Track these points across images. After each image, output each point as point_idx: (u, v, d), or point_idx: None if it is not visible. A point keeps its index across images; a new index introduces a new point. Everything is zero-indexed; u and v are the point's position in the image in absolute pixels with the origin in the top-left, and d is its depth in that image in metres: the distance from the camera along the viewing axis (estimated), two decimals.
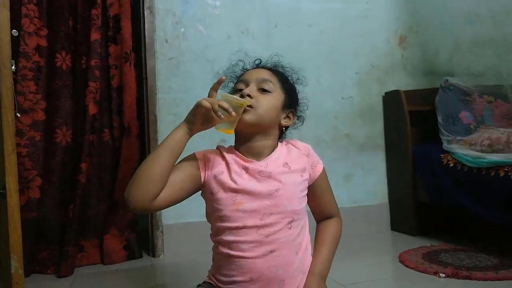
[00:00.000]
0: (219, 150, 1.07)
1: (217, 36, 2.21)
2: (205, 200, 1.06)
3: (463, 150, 2.00)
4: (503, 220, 1.78)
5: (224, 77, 1.03)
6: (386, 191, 2.46)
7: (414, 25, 2.57)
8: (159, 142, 2.05)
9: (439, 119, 2.22)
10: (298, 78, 1.16)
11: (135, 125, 2.04)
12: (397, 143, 2.36)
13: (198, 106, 0.96)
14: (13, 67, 1.20)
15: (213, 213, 1.02)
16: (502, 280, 1.50)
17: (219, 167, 1.02)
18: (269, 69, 1.11)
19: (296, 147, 1.10)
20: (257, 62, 1.15)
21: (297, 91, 1.15)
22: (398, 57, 2.53)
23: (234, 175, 1.00)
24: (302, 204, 1.05)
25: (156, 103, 2.09)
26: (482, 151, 1.92)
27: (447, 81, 2.30)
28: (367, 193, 2.44)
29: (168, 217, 2.08)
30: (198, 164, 1.02)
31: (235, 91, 1.07)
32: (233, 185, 0.99)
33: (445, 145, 2.11)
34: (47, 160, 1.93)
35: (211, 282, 1.05)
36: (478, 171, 1.85)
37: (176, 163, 1.00)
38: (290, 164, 1.04)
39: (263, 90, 1.04)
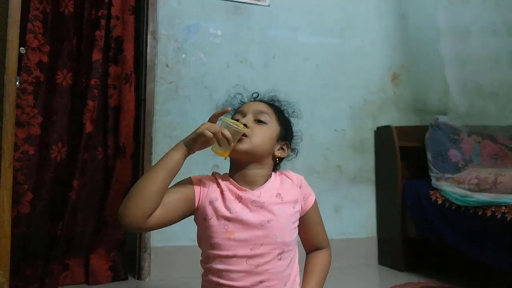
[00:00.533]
0: (215, 177, 1.08)
1: (216, 64, 2.26)
2: (197, 224, 1.07)
3: (451, 187, 2.04)
4: (489, 259, 1.80)
5: (229, 108, 1.07)
6: (375, 225, 2.48)
7: (406, 64, 2.66)
8: (153, 163, 2.07)
9: (429, 156, 2.26)
10: (294, 111, 1.19)
11: (131, 146, 2.05)
12: (388, 177, 2.40)
13: (200, 134, 0.97)
14: (17, 83, 1.22)
15: (205, 239, 1.03)
16: None
17: (214, 194, 1.03)
18: (266, 102, 1.14)
19: (289, 178, 1.11)
20: (254, 95, 1.18)
21: (292, 125, 1.18)
22: (391, 93, 2.61)
23: (228, 203, 1.01)
24: (293, 236, 1.06)
25: (153, 125, 2.11)
26: (470, 189, 1.96)
27: (437, 119, 2.36)
28: (356, 226, 2.45)
29: (157, 239, 2.07)
30: (193, 188, 1.03)
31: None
32: (226, 213, 1.00)
33: (433, 182, 2.15)
34: (40, 175, 1.93)
35: None
36: (465, 209, 1.88)
37: (171, 185, 1.01)
38: (282, 195, 1.06)
39: (259, 121, 1.06)
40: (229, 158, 1.09)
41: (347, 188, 2.45)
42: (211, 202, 1.02)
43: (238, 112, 1.10)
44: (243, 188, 1.04)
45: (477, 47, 2.42)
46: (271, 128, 1.08)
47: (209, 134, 0.95)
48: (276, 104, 1.17)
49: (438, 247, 2.16)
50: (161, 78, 2.16)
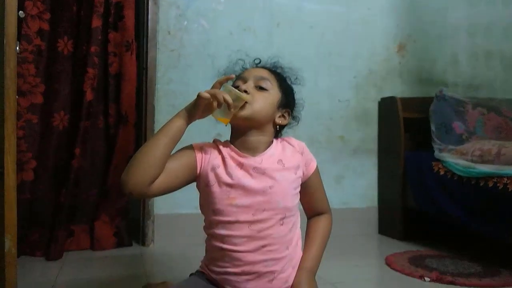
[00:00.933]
0: (216, 144, 1.08)
1: (219, 32, 2.22)
2: (199, 191, 1.08)
3: (454, 159, 2.03)
4: (488, 230, 1.82)
5: (233, 76, 1.05)
6: (376, 195, 2.50)
7: (413, 34, 2.60)
8: (155, 132, 2.06)
9: (432, 127, 2.25)
10: (296, 78, 1.17)
11: (133, 114, 2.04)
12: (390, 149, 2.40)
13: (199, 97, 0.96)
14: (17, 48, 1.20)
15: (207, 206, 1.04)
16: (485, 287, 1.54)
17: (216, 161, 1.03)
18: (268, 68, 1.13)
19: (291, 145, 1.11)
20: (256, 61, 1.16)
21: (294, 92, 1.16)
22: (396, 64, 2.57)
23: (229, 170, 1.02)
24: (294, 201, 1.07)
25: (155, 93, 2.10)
26: (472, 161, 1.96)
27: (442, 91, 2.34)
28: (357, 195, 2.47)
29: (160, 207, 2.10)
30: (195, 155, 1.03)
31: (234, 87, 1.07)
32: (228, 179, 1.01)
33: (436, 153, 2.15)
34: (43, 143, 1.93)
35: (204, 271, 1.07)
36: (467, 180, 1.89)
37: (173, 152, 1.01)
38: (284, 162, 1.06)
39: (260, 88, 1.05)
40: (230, 126, 1.08)
41: (349, 158, 2.46)
42: (213, 169, 1.02)
43: (239, 78, 1.09)
44: (245, 154, 1.04)
45: (486, 15, 2.37)
46: (272, 94, 1.07)
47: (207, 95, 0.95)
48: (278, 70, 1.15)
49: (437, 218, 2.18)
50: (162, 46, 2.13)
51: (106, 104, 2.04)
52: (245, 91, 1.03)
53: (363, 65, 2.50)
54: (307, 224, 1.17)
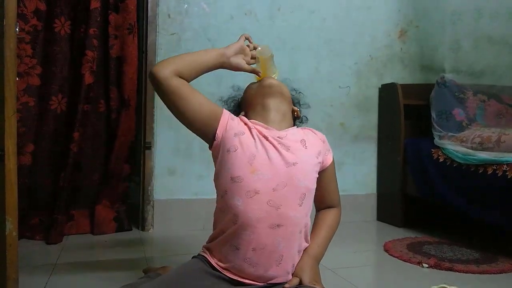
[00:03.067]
0: (240, 117, 1.10)
1: (219, 16, 2.19)
2: (216, 159, 1.05)
3: (454, 146, 2.04)
4: (487, 216, 1.83)
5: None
6: (375, 182, 2.50)
7: (415, 20, 2.58)
8: (156, 116, 2.05)
9: (433, 114, 2.25)
10: (302, 104, 1.25)
11: (135, 98, 2.03)
12: (390, 135, 2.39)
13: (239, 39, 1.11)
14: (17, 29, 1.18)
15: (225, 174, 1.01)
16: (483, 273, 1.55)
17: (240, 128, 1.04)
18: None
19: (313, 133, 1.14)
20: None
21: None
22: (397, 50, 2.55)
23: (255, 138, 1.02)
24: (314, 183, 1.07)
25: None
26: (472, 148, 1.97)
27: (443, 77, 2.33)
28: (356, 182, 2.47)
29: (160, 193, 2.09)
30: (222, 114, 1.05)
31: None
32: (253, 147, 1.00)
33: (436, 140, 2.15)
34: (40, 126, 1.91)
35: (205, 255, 1.06)
36: (467, 167, 1.89)
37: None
38: (307, 143, 1.07)
39: None
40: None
41: (349, 145, 2.45)
42: (236, 135, 1.02)
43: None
44: (269, 127, 1.06)
45: (491, 1, 2.34)
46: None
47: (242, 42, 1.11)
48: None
49: (437, 205, 2.19)
50: (162, 29, 2.10)
51: (106, 87, 2.02)
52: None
53: (364, 51, 2.48)
54: (315, 216, 1.18)
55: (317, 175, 1.09)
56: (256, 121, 1.07)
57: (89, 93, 1.95)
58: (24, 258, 1.55)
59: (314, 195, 1.13)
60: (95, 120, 2.00)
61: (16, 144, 1.18)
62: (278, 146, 1.02)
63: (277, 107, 1.09)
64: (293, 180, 1.00)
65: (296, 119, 1.19)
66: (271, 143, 1.02)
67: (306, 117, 1.24)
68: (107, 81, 2.02)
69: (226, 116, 1.04)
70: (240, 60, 1.08)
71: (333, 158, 1.15)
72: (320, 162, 1.09)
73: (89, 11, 1.93)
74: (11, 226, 1.17)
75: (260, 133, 1.03)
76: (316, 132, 1.15)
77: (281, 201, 0.98)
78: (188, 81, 1.02)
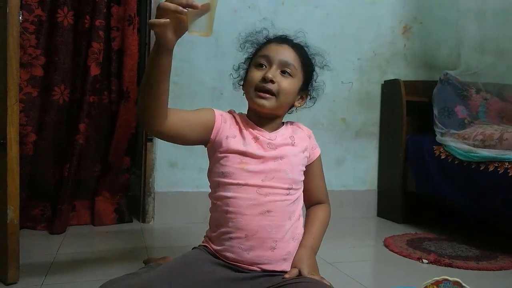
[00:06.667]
0: (233, 115, 1.12)
1: (223, 9, 2.17)
2: (210, 157, 1.10)
3: (455, 143, 2.03)
4: (487, 214, 1.83)
5: None
6: (376, 178, 2.50)
7: (419, 16, 2.57)
8: None
9: (435, 111, 2.25)
10: (325, 65, 1.21)
11: (135, 90, 2.02)
12: (392, 132, 2.39)
13: (158, 9, 0.83)
14: (20, 17, 1.18)
15: (217, 169, 1.06)
16: (482, 270, 1.55)
17: (232, 131, 1.07)
18: (293, 47, 1.11)
19: (300, 128, 1.18)
20: (282, 37, 1.15)
21: (316, 75, 1.19)
22: (401, 46, 2.54)
23: (246, 141, 1.06)
24: (301, 176, 1.12)
25: None
26: (474, 145, 1.96)
27: (446, 74, 2.32)
28: (357, 178, 2.48)
29: (160, 185, 2.10)
30: (214, 120, 1.06)
31: (257, 64, 1.08)
32: (243, 148, 1.04)
33: (438, 137, 2.15)
34: (42, 117, 1.91)
35: (207, 245, 1.08)
36: (468, 164, 1.89)
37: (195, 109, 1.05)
38: (295, 139, 1.12)
39: (285, 72, 1.07)
40: (247, 103, 1.11)
41: (350, 141, 2.45)
42: (228, 137, 1.05)
43: (263, 56, 1.08)
44: (261, 129, 1.09)
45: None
46: (296, 81, 1.09)
47: (167, 5, 0.81)
48: (305, 50, 1.15)
49: (437, 202, 2.19)
50: None
51: (109, 79, 2.02)
52: (271, 81, 1.04)
53: (367, 47, 2.47)
54: (306, 213, 1.20)
55: (304, 169, 1.13)
56: (249, 121, 1.10)
57: (95, 85, 1.95)
58: (25, 248, 1.56)
59: (303, 193, 1.15)
60: (99, 112, 2.01)
61: (18, 133, 1.18)
62: (267, 146, 1.06)
63: (270, 119, 1.11)
64: (280, 172, 1.05)
65: (295, 109, 1.17)
66: (260, 144, 1.06)
67: (315, 98, 1.20)
68: (110, 73, 2.02)
69: (219, 121, 1.06)
70: (181, 28, 0.87)
71: (319, 154, 1.19)
72: (306, 157, 1.13)
73: (95, 3, 1.92)
74: (13, 214, 1.18)
75: (251, 133, 1.07)
76: (303, 127, 1.19)
77: (268, 190, 1.04)
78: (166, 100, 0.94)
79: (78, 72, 1.96)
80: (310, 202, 1.20)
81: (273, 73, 1.05)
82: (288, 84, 1.06)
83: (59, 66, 1.92)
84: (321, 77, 2.41)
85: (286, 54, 1.08)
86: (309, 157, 1.15)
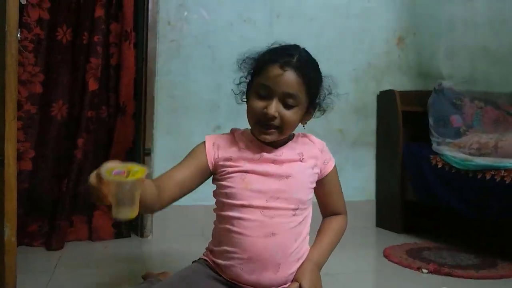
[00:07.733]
0: (233, 135, 1.09)
1: (219, 23, 2.21)
2: (214, 180, 1.08)
3: (452, 152, 2.05)
4: (486, 221, 1.84)
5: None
6: (374, 188, 2.51)
7: (412, 27, 2.60)
8: (155, 123, 2.05)
9: (430, 121, 2.26)
10: (331, 93, 1.14)
11: (131, 105, 2.03)
12: (389, 142, 2.40)
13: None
14: (19, 35, 1.19)
15: (221, 189, 1.04)
16: (482, 279, 1.55)
17: (230, 153, 1.04)
18: (297, 70, 1.00)
19: (311, 141, 1.12)
20: (286, 55, 1.02)
21: (323, 87, 1.12)
22: (395, 57, 2.57)
23: (248, 158, 1.02)
24: (309, 195, 1.07)
25: (155, 84, 2.08)
26: (470, 154, 1.98)
27: (441, 84, 2.35)
28: (355, 189, 2.47)
29: None
30: (205, 155, 1.04)
31: (258, 93, 1.01)
32: (243, 167, 1.02)
33: (434, 147, 2.16)
34: (41, 133, 1.92)
35: (207, 259, 1.07)
36: (465, 173, 1.90)
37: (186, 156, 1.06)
38: (304, 155, 1.07)
39: (288, 105, 1.00)
40: (245, 116, 1.05)
41: (347, 151, 2.46)
42: (226, 159, 1.03)
43: (263, 85, 0.99)
44: (265, 146, 1.04)
45: (484, 10, 2.37)
46: (300, 108, 1.02)
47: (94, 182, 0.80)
48: (310, 64, 1.08)
49: (436, 210, 2.19)
50: (162, 36, 2.11)
51: (107, 94, 2.03)
52: (273, 117, 0.98)
53: (362, 58, 2.49)
54: (321, 222, 1.17)
55: (313, 186, 1.09)
56: (252, 137, 1.06)
57: (93, 100, 1.96)
58: (22, 265, 1.54)
59: (319, 203, 1.14)
60: (97, 126, 2.01)
61: (16, 149, 1.18)
62: (272, 162, 1.03)
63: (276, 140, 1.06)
64: (285, 193, 1.01)
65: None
66: (264, 161, 1.03)
67: (324, 109, 1.13)
68: (108, 88, 2.03)
69: (211, 154, 1.04)
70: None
71: (334, 166, 1.14)
72: (316, 173, 1.08)
73: (93, 19, 1.94)
74: (10, 232, 1.17)
75: (254, 150, 1.04)
76: (315, 140, 1.12)
77: (274, 212, 1.00)
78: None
79: (76, 87, 1.97)
80: (326, 213, 1.17)
81: (275, 108, 0.98)
82: (291, 116, 1.00)
83: (58, 82, 1.94)
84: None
85: (289, 83, 0.98)
86: (320, 172, 1.10)
